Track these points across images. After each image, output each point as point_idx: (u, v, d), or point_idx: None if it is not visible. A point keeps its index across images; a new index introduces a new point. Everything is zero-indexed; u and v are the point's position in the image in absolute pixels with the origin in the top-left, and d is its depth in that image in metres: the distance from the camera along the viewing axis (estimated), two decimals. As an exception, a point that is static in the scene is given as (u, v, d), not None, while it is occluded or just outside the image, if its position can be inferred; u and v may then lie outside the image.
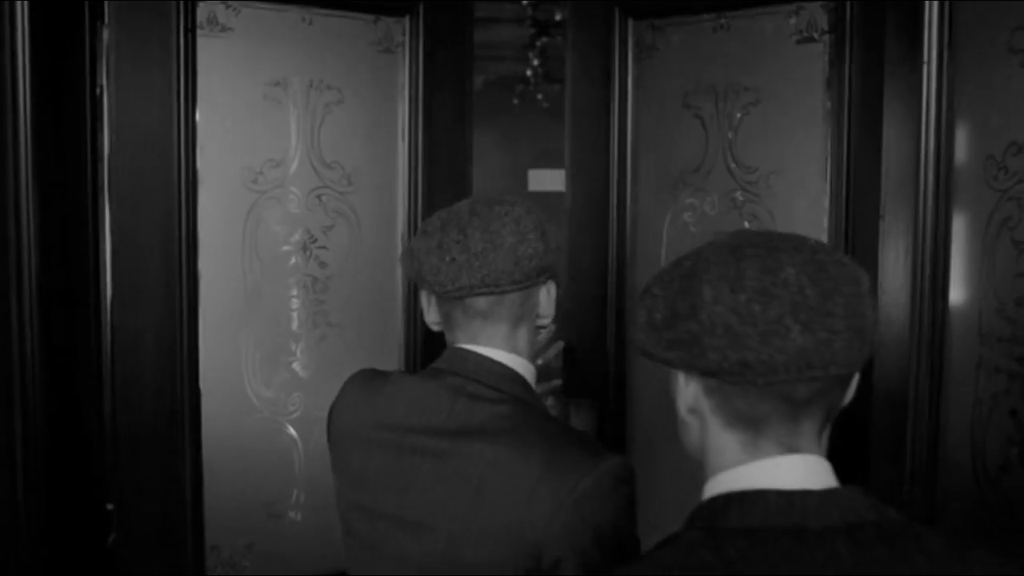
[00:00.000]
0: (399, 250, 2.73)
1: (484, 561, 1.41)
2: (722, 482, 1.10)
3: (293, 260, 2.66)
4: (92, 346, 2.49)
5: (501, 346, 1.55)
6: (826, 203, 2.39)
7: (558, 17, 7.75)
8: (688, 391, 1.13)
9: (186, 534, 2.54)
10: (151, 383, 2.48)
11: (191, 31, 2.48)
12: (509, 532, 1.39)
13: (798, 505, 1.05)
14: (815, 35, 2.37)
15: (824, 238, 2.36)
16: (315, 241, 2.67)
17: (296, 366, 2.69)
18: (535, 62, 8.95)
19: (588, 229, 2.75)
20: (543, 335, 1.70)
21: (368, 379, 1.66)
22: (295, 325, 2.67)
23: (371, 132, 2.71)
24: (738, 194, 2.54)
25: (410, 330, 2.78)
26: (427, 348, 2.73)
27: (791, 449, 1.09)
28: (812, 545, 1.02)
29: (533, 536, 1.37)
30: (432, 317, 1.62)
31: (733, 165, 2.54)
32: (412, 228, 2.73)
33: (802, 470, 1.08)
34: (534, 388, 1.58)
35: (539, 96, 10.21)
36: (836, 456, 1.15)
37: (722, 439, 1.11)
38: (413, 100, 2.71)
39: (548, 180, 17.15)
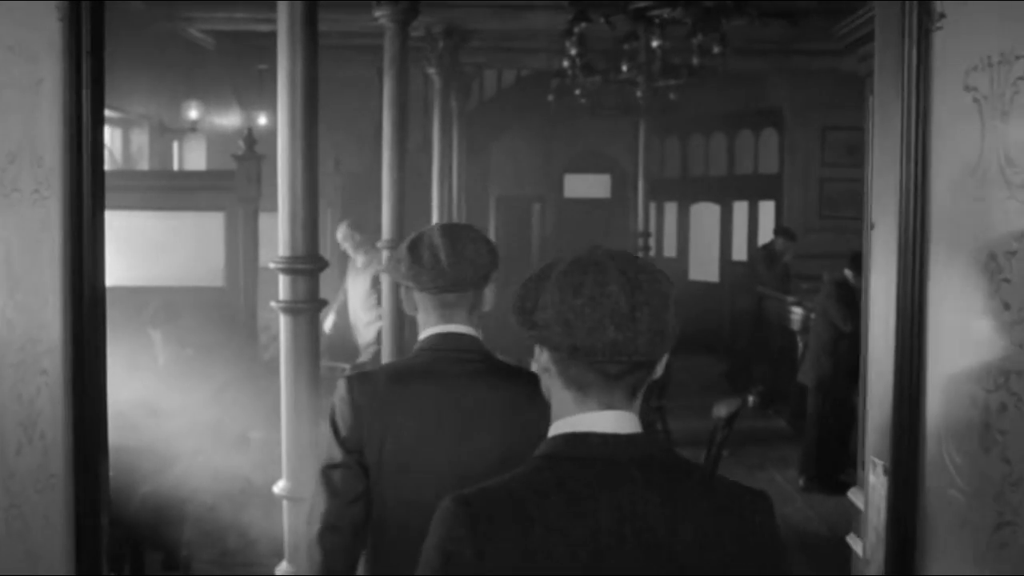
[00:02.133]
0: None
1: (515, 454, 1.97)
2: (560, 426, 1.67)
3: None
4: None
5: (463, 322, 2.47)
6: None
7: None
8: (542, 357, 1.68)
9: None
10: None
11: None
12: (524, 429, 2.14)
13: (610, 443, 1.63)
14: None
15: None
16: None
17: None
18: (573, 51, 8.12)
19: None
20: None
21: (384, 378, 2.45)
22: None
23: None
24: (1009, 203, 1.97)
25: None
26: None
27: (608, 406, 1.65)
28: (617, 469, 1.61)
29: (536, 432, 1.93)
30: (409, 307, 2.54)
31: (1003, 162, 2.00)
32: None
33: (614, 421, 1.64)
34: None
35: (577, 91, 9.39)
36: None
37: (562, 395, 1.67)
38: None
39: (586, 186, 16.48)
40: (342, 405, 2.38)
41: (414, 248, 2.40)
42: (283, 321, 4.42)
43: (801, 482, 7.71)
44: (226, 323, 6.61)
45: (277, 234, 4.35)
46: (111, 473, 2.39)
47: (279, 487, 4.38)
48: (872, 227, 2.41)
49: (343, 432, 2.38)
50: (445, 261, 2.35)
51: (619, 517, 1.56)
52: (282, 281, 4.39)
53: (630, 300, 1.58)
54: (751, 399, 10.13)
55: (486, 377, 2.39)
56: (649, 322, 1.58)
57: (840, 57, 11.66)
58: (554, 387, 1.67)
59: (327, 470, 2.39)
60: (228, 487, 5.60)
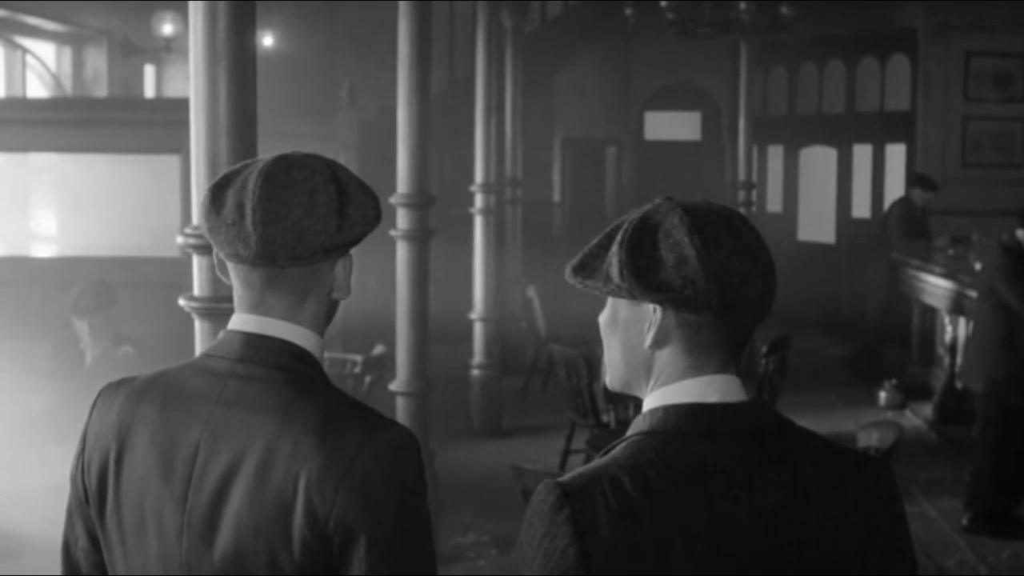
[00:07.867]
0: None
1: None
2: (663, 396, 1.63)
3: None
4: None
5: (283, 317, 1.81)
6: None
7: None
8: (660, 322, 1.63)
9: None
10: None
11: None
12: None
13: (718, 415, 1.59)
14: None
15: None
16: None
17: None
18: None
19: None
20: None
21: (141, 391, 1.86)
22: None
23: None
24: None
25: None
26: None
27: (724, 369, 1.62)
28: (730, 445, 1.56)
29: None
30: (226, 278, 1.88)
31: None
32: None
33: (727, 387, 1.61)
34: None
35: (663, 2, 7.91)
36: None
37: (675, 361, 1.62)
38: None
39: (671, 126, 15.08)
40: None
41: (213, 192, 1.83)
42: (199, 329, 3.19)
43: (965, 520, 6.20)
44: (183, 310, 5.32)
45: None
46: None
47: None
48: None
49: None
50: (251, 216, 1.75)
51: (735, 500, 1.52)
52: (197, 267, 3.22)
53: (764, 249, 1.58)
54: (882, 396, 8.82)
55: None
56: (773, 270, 1.58)
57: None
58: (664, 356, 1.60)
59: None
60: None
